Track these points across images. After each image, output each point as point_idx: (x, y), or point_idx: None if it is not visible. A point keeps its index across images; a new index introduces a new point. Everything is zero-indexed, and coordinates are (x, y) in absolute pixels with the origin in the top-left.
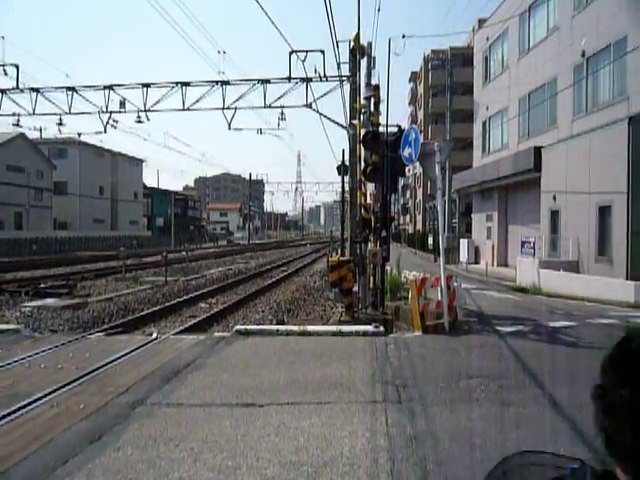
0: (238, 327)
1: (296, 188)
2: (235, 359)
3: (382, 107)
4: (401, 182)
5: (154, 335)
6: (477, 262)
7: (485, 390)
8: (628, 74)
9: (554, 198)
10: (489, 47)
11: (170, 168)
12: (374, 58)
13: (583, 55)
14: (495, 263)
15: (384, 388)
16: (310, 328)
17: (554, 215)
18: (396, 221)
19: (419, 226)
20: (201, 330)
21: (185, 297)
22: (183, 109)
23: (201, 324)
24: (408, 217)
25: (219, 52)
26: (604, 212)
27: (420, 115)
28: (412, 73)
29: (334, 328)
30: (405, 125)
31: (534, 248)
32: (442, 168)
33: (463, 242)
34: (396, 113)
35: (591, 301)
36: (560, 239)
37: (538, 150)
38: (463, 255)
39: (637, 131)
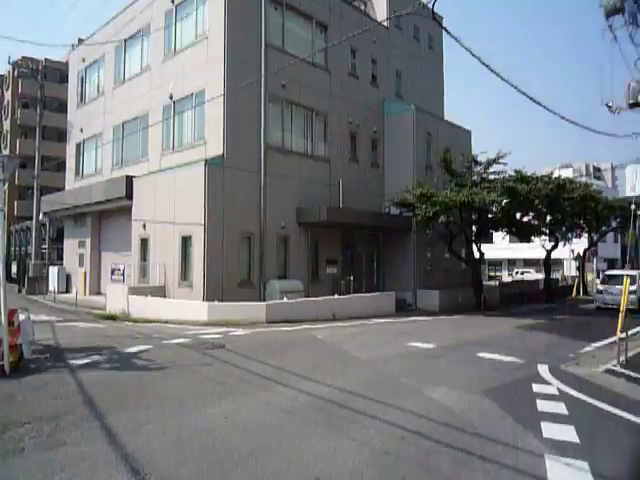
0: None
1: None
2: None
3: None
4: None
5: None
6: (68, 291)
7: (36, 435)
8: (206, 123)
9: (144, 226)
10: (85, 69)
11: None
12: None
13: (171, 98)
14: (88, 292)
15: None
16: None
17: (144, 243)
18: None
19: None
20: None
21: None
22: None
23: None
24: None
25: None
26: (186, 241)
27: (6, 125)
28: None
29: None
30: None
31: (124, 275)
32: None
33: (53, 270)
34: None
35: (174, 323)
36: (149, 266)
37: (130, 179)
38: (52, 284)
39: (211, 172)
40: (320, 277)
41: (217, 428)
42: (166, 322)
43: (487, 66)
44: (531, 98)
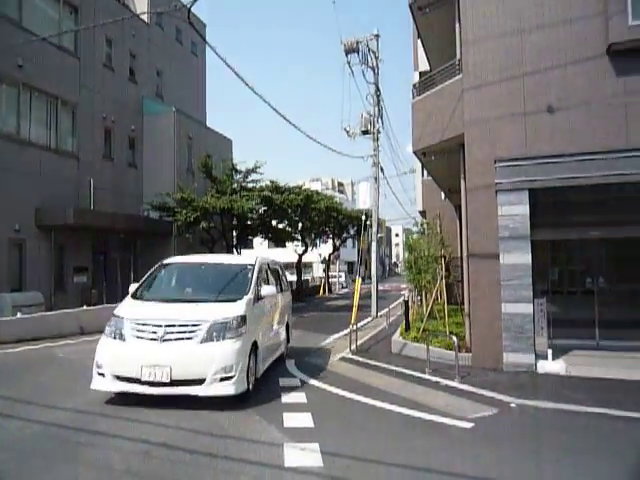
0: None
1: None
2: None
3: None
4: None
5: None
6: None
7: None
8: None
9: None
10: None
11: None
12: None
13: None
14: None
15: None
16: None
17: None
18: None
19: None
20: None
21: None
22: None
23: None
24: None
25: None
26: None
27: None
28: None
29: None
30: None
31: None
32: None
33: None
34: None
35: None
36: None
37: None
38: None
39: None
40: (67, 287)
41: None
42: None
43: (242, 79)
44: (283, 116)
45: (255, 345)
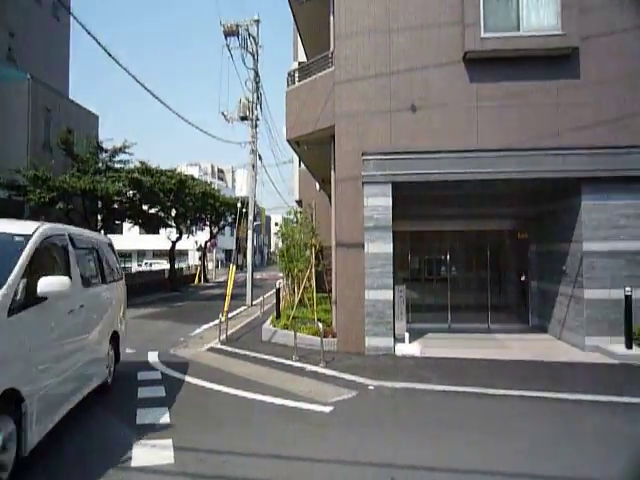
0: None
1: None
2: None
3: None
4: None
5: None
6: None
7: None
8: None
9: None
10: None
11: None
12: None
13: None
14: None
15: None
16: None
17: None
18: None
19: None
20: None
21: None
22: None
23: None
24: None
25: None
26: None
27: None
28: None
29: None
30: None
31: None
32: None
33: None
34: None
35: None
36: None
37: None
38: None
39: None
40: None
41: None
42: None
43: (113, 58)
44: (158, 98)
45: (15, 396)
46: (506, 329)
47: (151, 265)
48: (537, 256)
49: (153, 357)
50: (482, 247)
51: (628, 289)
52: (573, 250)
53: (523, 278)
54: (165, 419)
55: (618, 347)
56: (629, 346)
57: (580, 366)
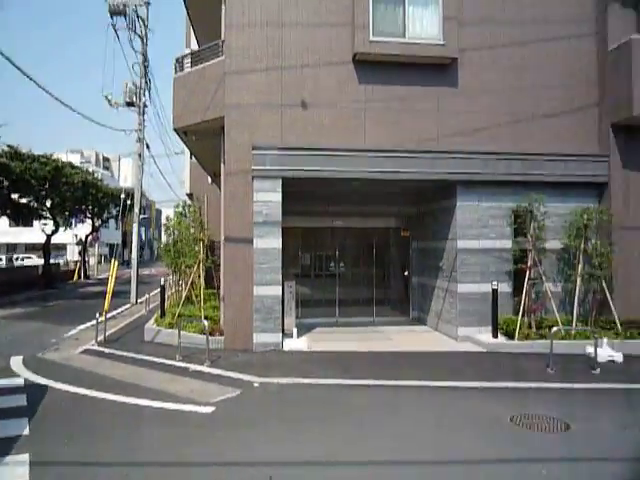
0: None
1: None
2: None
3: None
4: None
5: None
6: None
7: None
8: None
9: None
10: None
11: None
12: None
13: None
14: None
15: None
16: None
17: None
18: None
19: None
20: None
21: None
22: None
23: None
24: None
25: None
26: None
27: None
28: None
29: None
30: None
31: None
32: None
33: None
34: None
35: None
36: None
37: None
38: None
39: None
40: None
41: None
42: None
43: None
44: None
45: None
46: (389, 322)
47: (23, 260)
48: (418, 253)
49: (16, 362)
50: (369, 244)
51: (495, 283)
52: (449, 247)
53: (406, 273)
54: (24, 431)
55: (486, 337)
56: (495, 335)
57: (454, 355)
